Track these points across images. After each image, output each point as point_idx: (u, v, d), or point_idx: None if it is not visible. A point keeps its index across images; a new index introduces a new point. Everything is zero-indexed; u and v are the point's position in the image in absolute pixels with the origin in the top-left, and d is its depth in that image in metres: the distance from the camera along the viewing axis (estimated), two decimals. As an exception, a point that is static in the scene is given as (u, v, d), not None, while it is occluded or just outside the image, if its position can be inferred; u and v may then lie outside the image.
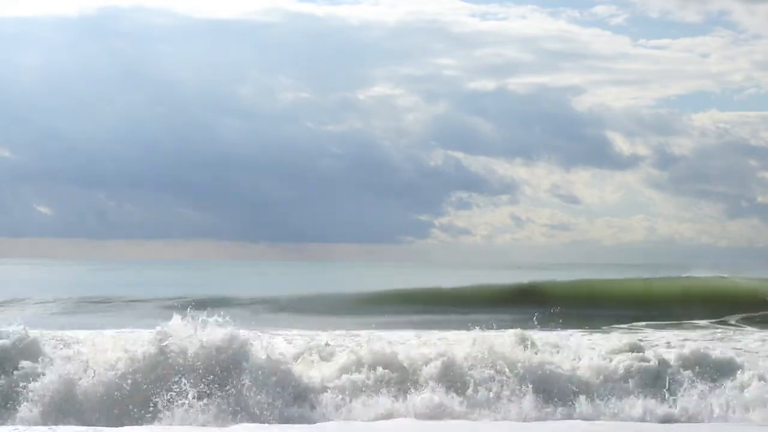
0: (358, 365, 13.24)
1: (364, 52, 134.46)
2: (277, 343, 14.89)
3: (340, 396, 12.65)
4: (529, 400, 12.64)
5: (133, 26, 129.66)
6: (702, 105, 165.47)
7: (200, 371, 12.34)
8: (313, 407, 12.47)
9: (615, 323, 25.51)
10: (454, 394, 12.67)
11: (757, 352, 17.67)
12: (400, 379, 13.07)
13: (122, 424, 11.66)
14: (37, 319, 24.55)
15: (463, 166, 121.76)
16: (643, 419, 12.59)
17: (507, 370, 13.13)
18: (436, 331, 20.75)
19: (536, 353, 13.64)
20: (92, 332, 17.57)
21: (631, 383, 13.46)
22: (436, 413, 12.33)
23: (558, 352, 14.11)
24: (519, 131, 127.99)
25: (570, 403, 12.84)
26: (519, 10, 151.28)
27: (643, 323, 25.85)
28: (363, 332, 18.11)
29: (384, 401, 12.55)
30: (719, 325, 25.79)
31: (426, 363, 13.27)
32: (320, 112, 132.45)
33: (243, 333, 12.99)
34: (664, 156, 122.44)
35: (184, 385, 12.06)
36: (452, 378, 13.04)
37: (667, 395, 13.09)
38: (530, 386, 12.83)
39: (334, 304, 30.82)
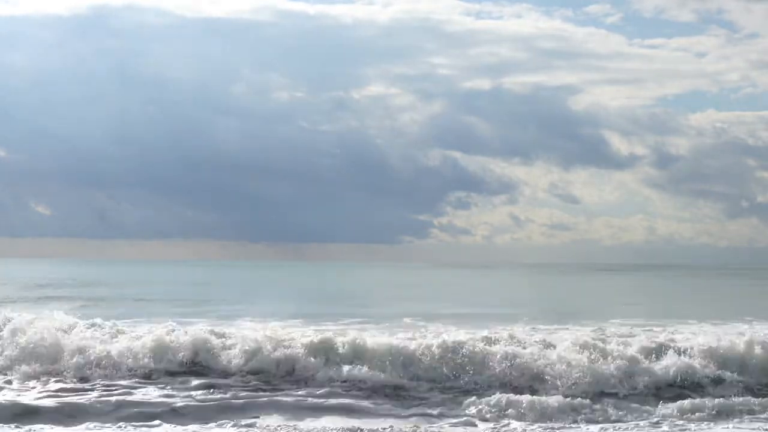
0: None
1: (358, 51, 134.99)
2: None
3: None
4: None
5: (124, 25, 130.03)
6: (699, 104, 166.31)
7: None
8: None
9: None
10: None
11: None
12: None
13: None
14: None
15: (461, 166, 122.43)
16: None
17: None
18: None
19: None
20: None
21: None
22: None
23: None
24: (516, 131, 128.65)
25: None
26: (513, 9, 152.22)
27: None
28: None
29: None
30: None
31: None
32: (315, 112, 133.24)
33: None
34: (662, 156, 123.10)
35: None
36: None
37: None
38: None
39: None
